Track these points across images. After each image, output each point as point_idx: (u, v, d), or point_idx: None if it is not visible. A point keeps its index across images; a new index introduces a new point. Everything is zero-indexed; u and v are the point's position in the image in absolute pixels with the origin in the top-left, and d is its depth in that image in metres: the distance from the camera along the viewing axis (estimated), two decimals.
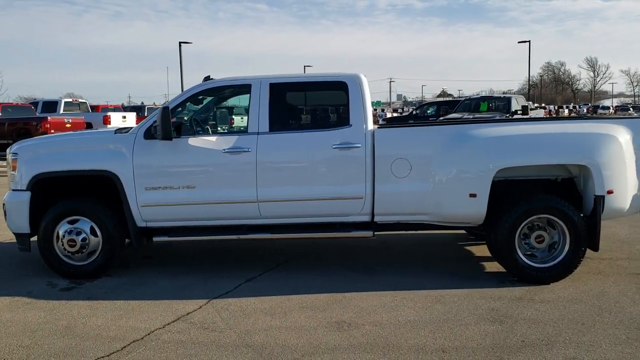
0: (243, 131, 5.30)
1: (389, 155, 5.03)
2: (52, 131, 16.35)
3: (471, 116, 16.30)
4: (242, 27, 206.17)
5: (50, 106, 21.22)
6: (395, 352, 3.59)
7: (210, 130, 5.76)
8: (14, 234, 5.40)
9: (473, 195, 4.83)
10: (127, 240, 5.39)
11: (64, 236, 5.19)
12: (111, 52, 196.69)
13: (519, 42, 43.33)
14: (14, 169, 5.33)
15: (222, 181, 5.12)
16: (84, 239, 5.20)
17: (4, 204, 5.35)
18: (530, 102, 38.34)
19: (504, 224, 4.86)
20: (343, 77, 5.31)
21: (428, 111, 24.37)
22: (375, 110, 50.71)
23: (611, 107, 67.78)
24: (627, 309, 4.27)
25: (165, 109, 5.02)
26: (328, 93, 5.66)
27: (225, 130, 6.69)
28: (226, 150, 5.11)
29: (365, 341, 3.76)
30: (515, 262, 4.90)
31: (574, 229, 4.81)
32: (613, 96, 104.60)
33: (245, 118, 5.34)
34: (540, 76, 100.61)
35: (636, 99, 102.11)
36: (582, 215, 4.93)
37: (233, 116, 12.11)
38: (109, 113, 21.32)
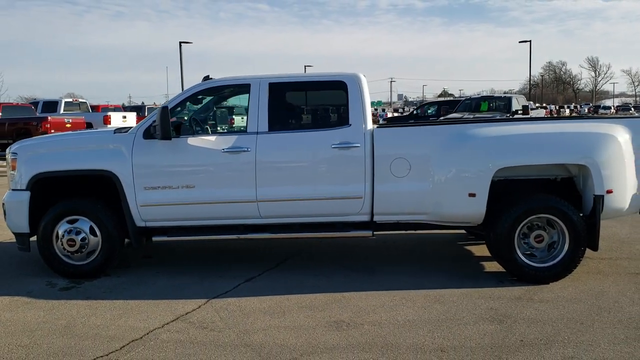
0: (242, 131, 5.30)
1: (388, 155, 5.03)
2: (52, 131, 16.35)
3: (471, 116, 16.28)
4: (243, 27, 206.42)
5: (51, 106, 21.23)
6: (394, 351, 3.59)
7: (209, 129, 5.75)
8: (14, 233, 5.41)
9: (472, 195, 4.84)
10: (126, 240, 5.40)
11: (63, 236, 5.20)
12: (112, 52, 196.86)
13: (520, 42, 43.30)
14: (13, 168, 5.34)
15: (221, 181, 5.13)
16: (83, 239, 5.20)
17: (3, 204, 5.36)
18: (532, 102, 38.36)
19: (504, 224, 4.86)
20: (342, 76, 5.31)
21: (429, 111, 24.37)
22: (375, 110, 50.75)
23: (612, 107, 67.74)
24: (626, 308, 4.27)
25: (164, 108, 5.02)
26: (327, 93, 5.66)
27: (225, 130, 6.69)
28: (225, 150, 5.11)
29: (364, 341, 3.76)
30: (515, 262, 4.90)
31: (573, 228, 4.81)
32: (614, 96, 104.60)
33: (245, 118, 5.34)
34: (542, 76, 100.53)
35: (637, 98, 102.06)
36: (581, 214, 4.93)
37: (233, 116, 12.11)
38: (109, 113, 21.33)
